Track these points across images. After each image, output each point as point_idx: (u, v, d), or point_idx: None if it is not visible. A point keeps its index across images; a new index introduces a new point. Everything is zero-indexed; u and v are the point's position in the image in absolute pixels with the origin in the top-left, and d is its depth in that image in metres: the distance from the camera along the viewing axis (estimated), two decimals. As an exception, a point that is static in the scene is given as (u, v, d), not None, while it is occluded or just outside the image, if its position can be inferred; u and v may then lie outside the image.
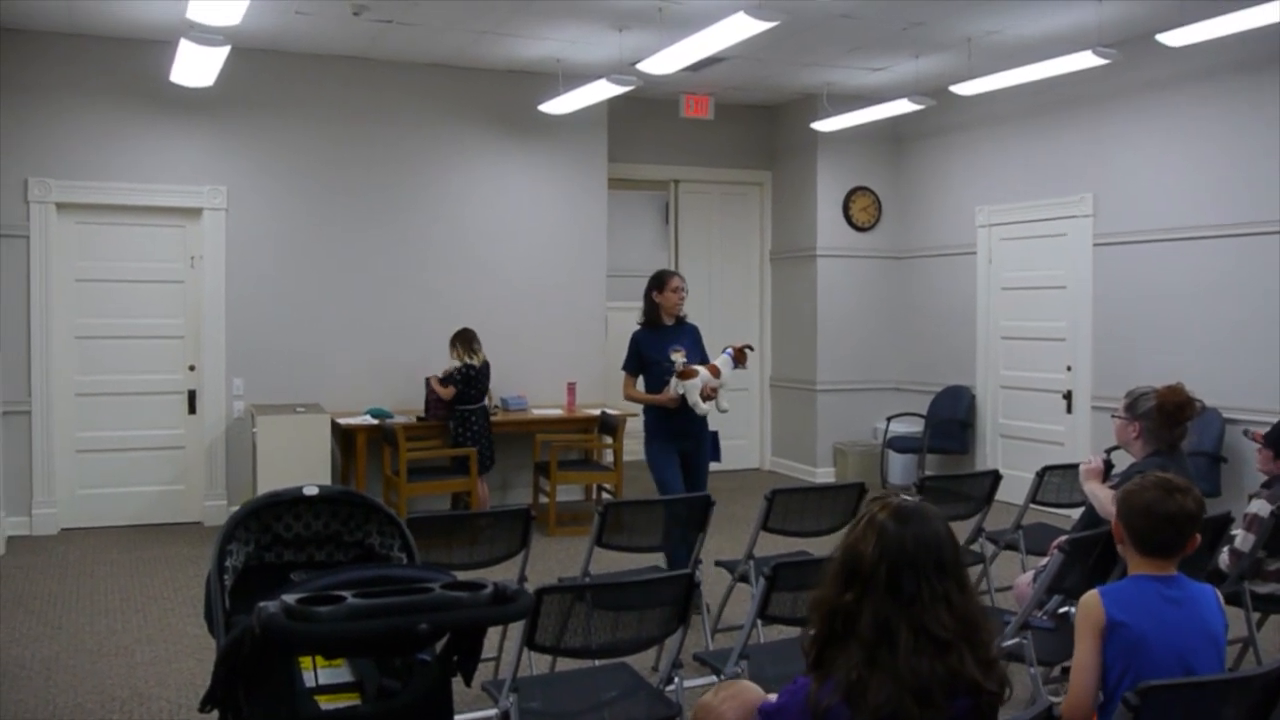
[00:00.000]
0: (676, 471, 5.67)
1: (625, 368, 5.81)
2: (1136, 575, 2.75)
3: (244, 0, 5.33)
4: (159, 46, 7.25)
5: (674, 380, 5.54)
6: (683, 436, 5.68)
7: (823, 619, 2.01)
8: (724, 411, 5.70)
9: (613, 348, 8.04)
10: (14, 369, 7.25)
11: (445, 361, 7.68)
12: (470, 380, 7.56)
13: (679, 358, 5.61)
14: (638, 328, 5.81)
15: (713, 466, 5.91)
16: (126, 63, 7.55)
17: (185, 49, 6.17)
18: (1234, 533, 4.25)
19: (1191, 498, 2.73)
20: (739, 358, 5.66)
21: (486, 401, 7.78)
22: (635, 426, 6.77)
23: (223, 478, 7.88)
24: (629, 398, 5.83)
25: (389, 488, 7.55)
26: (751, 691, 2.21)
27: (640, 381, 5.80)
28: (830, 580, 2.01)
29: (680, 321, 5.80)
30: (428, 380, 7.71)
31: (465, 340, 7.67)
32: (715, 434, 5.86)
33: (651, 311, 5.76)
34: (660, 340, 5.70)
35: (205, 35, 5.94)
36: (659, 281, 5.76)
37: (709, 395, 5.53)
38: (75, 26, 7.27)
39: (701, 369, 5.55)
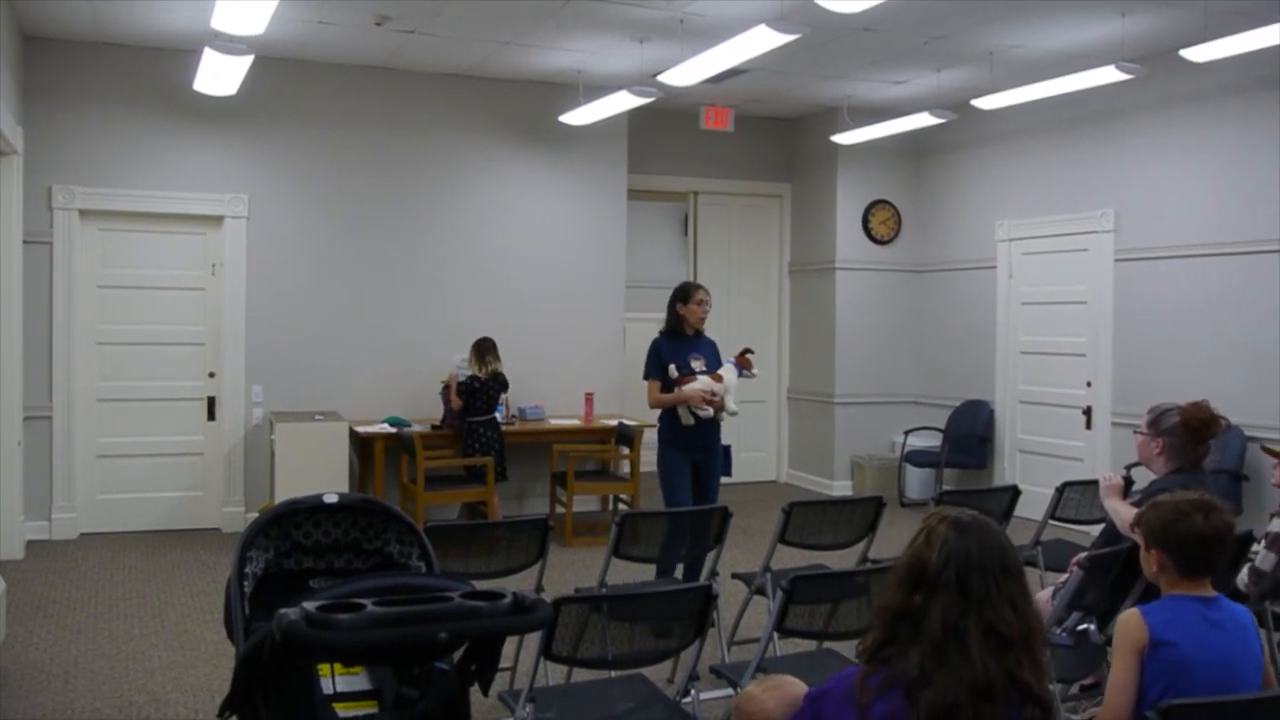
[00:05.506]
0: (687, 485, 5.72)
1: (649, 375, 5.83)
2: (1175, 595, 2.72)
3: (268, 10, 5.35)
4: (183, 55, 7.31)
5: (701, 379, 5.64)
6: (696, 448, 5.74)
7: (887, 623, 2.02)
8: (734, 414, 5.78)
9: (631, 358, 8.05)
10: (36, 374, 7.28)
11: (465, 368, 7.73)
12: (475, 393, 7.57)
13: (699, 365, 5.74)
14: (659, 336, 5.88)
15: (726, 480, 5.95)
16: (150, 71, 7.60)
17: (209, 58, 6.21)
18: (1255, 551, 4.21)
19: (1227, 511, 2.72)
20: (742, 363, 5.82)
21: (500, 413, 7.79)
22: (651, 438, 6.74)
23: (241, 484, 7.91)
24: (656, 403, 5.80)
25: (406, 496, 7.56)
26: (794, 685, 2.25)
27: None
28: (894, 587, 2.03)
29: (699, 334, 5.89)
30: (444, 385, 7.74)
31: (479, 350, 7.71)
32: (728, 448, 5.96)
33: (675, 322, 5.85)
34: (680, 349, 5.79)
35: (229, 44, 5.98)
36: (684, 294, 5.86)
37: (710, 401, 5.62)
38: (100, 35, 7.33)
39: (702, 376, 5.68)
